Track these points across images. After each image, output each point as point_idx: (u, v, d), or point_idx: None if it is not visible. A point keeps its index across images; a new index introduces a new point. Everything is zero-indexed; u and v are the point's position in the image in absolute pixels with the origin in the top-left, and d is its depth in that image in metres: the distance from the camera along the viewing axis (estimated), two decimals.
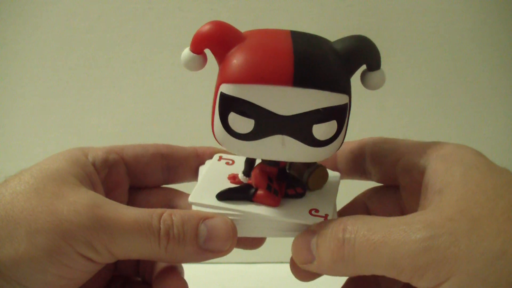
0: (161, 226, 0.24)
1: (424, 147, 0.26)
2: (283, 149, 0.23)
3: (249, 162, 0.27)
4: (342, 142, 0.25)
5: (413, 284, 0.21)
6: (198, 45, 0.24)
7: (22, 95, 0.54)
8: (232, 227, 0.25)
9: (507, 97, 0.54)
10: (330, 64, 0.23)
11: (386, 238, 0.21)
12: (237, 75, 0.22)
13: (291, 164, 0.29)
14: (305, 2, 0.51)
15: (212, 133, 0.25)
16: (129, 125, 0.54)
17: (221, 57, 0.23)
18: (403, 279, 0.21)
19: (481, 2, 0.51)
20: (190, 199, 0.27)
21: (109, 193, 0.30)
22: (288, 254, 0.26)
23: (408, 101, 0.54)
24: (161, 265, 0.29)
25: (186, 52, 0.24)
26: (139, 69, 0.53)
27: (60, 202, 0.23)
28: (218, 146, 0.26)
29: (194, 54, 0.24)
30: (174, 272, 0.28)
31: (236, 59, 0.22)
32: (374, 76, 0.25)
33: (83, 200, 0.23)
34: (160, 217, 0.24)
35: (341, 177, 0.31)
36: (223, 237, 0.24)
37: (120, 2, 0.51)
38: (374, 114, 0.54)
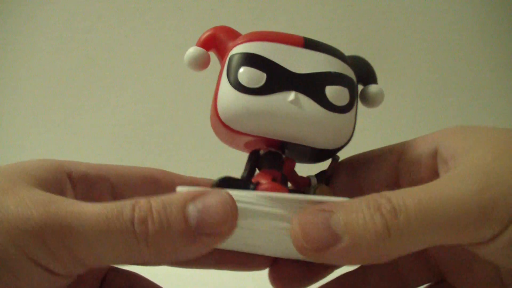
0: (135, 213, 0.19)
1: (424, 138, 0.24)
2: (296, 107, 0.22)
3: (251, 166, 0.25)
4: (353, 128, 0.24)
5: (477, 237, 0.19)
6: (207, 39, 0.24)
7: (22, 95, 0.54)
8: (231, 200, 0.20)
9: (507, 97, 0.54)
10: (337, 49, 0.24)
11: (436, 192, 0.19)
12: (248, 37, 0.23)
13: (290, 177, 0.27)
14: (305, 2, 0.51)
15: (212, 123, 0.24)
16: (128, 125, 0.54)
17: (224, 50, 0.24)
18: (467, 232, 0.19)
19: (481, 2, 0.51)
20: (178, 188, 0.21)
21: None
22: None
23: (408, 101, 0.54)
24: None
25: (193, 49, 0.24)
26: (139, 69, 0.53)
27: (6, 198, 0.19)
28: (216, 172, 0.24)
29: (202, 50, 0.24)
30: None
31: (246, 34, 0.24)
32: (373, 87, 0.25)
33: (35, 196, 0.19)
34: (133, 205, 0.19)
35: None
36: (220, 214, 0.19)
37: (120, 2, 0.51)
38: (374, 114, 0.54)
